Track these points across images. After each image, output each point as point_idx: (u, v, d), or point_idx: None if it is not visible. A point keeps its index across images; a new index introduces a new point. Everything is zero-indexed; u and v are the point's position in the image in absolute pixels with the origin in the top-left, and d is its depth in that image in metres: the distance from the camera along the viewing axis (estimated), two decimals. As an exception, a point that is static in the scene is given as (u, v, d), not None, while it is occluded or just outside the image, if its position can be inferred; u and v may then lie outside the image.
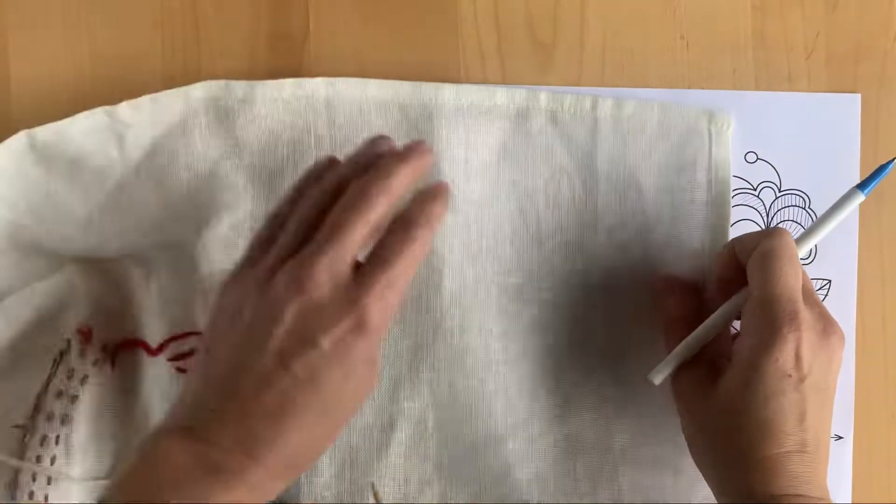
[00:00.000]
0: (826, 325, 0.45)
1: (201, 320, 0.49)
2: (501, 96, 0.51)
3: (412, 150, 0.42)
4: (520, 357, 0.51)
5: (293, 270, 0.39)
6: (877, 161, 0.51)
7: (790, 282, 0.44)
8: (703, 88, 0.52)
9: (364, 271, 0.40)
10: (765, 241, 0.45)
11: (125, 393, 0.50)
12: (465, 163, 0.50)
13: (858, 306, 0.52)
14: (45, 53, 0.51)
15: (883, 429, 0.52)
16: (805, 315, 0.44)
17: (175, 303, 0.49)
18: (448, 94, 0.50)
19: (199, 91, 0.49)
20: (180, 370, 0.49)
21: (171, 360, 0.49)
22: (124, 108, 0.48)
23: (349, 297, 0.39)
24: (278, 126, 0.50)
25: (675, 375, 0.48)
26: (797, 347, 0.43)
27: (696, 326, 0.47)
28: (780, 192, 0.52)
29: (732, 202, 0.52)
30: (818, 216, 0.48)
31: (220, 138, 0.49)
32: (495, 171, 0.51)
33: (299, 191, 0.43)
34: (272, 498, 0.39)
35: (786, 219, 0.52)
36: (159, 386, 0.49)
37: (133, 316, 0.50)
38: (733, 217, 0.52)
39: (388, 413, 0.50)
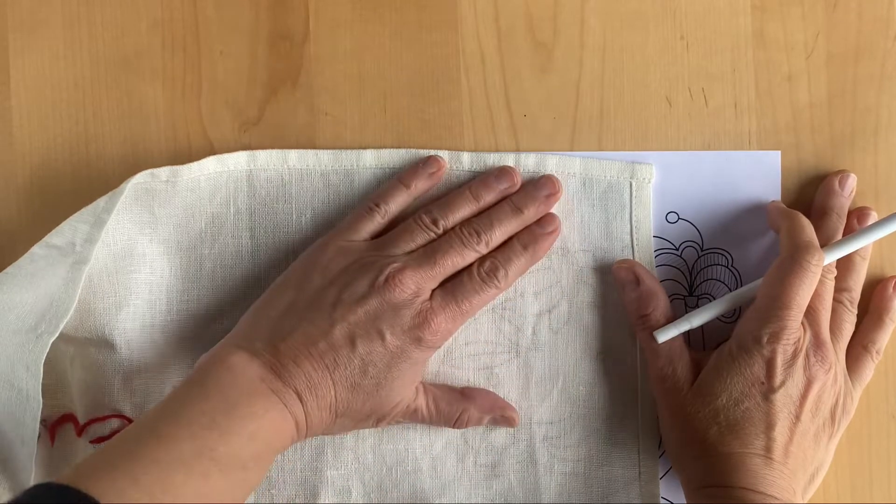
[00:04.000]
0: (816, 350, 0.46)
1: (120, 402, 0.49)
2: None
3: (530, 203, 0.50)
4: None
5: (393, 269, 0.46)
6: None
7: (796, 299, 0.45)
8: (625, 150, 0.52)
9: (443, 295, 0.47)
10: (798, 252, 0.46)
11: (63, 469, 0.50)
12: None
13: (859, 306, 0.52)
14: (45, 53, 0.51)
15: (883, 429, 0.52)
16: (792, 332, 0.45)
17: (95, 385, 0.49)
18: (369, 159, 0.51)
19: (126, 184, 0.49)
20: None
21: (92, 441, 0.49)
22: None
23: (422, 312, 0.46)
24: (197, 201, 0.50)
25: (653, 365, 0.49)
26: (772, 358, 0.46)
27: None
28: (702, 251, 0.52)
29: (655, 262, 0.52)
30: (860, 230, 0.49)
31: (137, 214, 0.50)
32: None
33: (406, 183, 0.50)
34: (303, 440, 0.46)
35: (709, 277, 0.52)
36: None
37: (66, 393, 0.50)
38: (657, 276, 0.51)
39: (311, 484, 0.51)
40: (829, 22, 0.52)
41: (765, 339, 0.46)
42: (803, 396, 0.46)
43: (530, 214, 0.50)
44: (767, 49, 0.52)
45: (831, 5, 0.52)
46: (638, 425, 0.51)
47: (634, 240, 0.51)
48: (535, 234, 0.50)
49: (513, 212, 0.49)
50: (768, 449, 0.45)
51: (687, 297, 0.52)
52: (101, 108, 0.52)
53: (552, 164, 0.51)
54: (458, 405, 0.49)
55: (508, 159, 0.51)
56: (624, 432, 0.51)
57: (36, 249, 0.48)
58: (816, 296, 0.47)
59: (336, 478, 0.51)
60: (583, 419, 0.51)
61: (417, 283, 0.47)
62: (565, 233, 0.51)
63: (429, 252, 0.48)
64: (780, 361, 0.46)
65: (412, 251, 0.48)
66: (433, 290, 0.48)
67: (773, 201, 0.51)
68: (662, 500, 0.51)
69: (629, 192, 0.51)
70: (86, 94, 0.52)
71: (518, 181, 0.50)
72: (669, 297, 0.51)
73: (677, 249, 0.52)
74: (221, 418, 0.42)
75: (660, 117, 0.52)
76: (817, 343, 0.46)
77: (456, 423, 0.49)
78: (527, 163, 0.51)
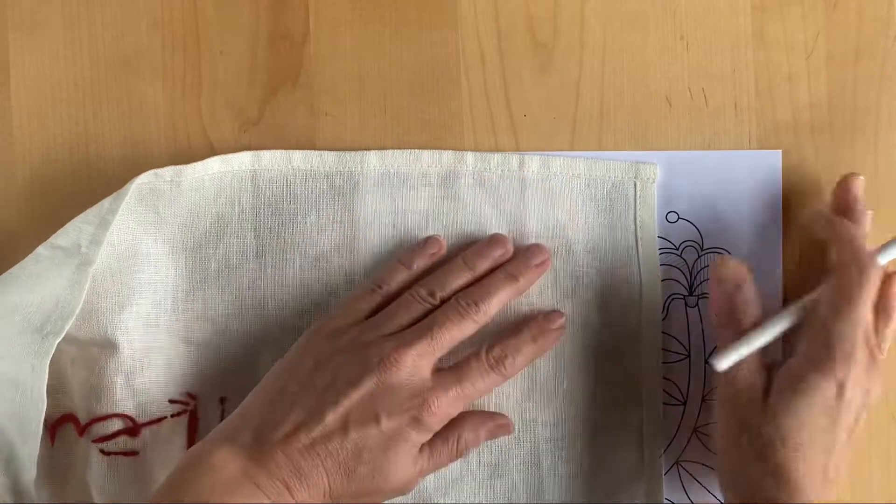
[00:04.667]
0: (871, 361, 0.46)
1: (122, 402, 0.49)
2: (427, 159, 0.51)
3: (524, 272, 0.49)
4: None
5: (387, 349, 0.45)
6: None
7: (860, 319, 0.45)
8: (626, 150, 0.52)
9: (446, 377, 0.46)
10: (856, 264, 0.45)
11: (63, 469, 0.50)
12: (392, 228, 0.51)
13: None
14: (45, 53, 0.51)
15: (883, 429, 0.52)
16: (860, 353, 0.45)
17: (97, 384, 0.49)
18: (373, 161, 0.51)
19: (130, 184, 0.49)
20: (104, 453, 0.49)
21: (94, 441, 0.49)
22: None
23: (421, 393, 0.45)
24: (202, 201, 0.50)
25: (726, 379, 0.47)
26: (843, 382, 0.44)
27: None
28: (702, 250, 0.52)
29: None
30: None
31: (141, 214, 0.50)
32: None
33: (407, 264, 0.49)
34: None
35: (710, 277, 0.51)
36: (88, 467, 0.49)
37: (66, 393, 0.50)
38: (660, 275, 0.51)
39: None
40: (829, 22, 0.52)
41: (838, 367, 0.44)
42: (864, 406, 0.46)
43: (524, 283, 0.49)
44: (767, 49, 0.52)
45: (831, 5, 0.52)
46: (641, 426, 0.51)
47: (639, 240, 0.51)
48: (543, 327, 0.49)
49: (507, 279, 0.49)
50: (827, 469, 0.45)
51: (687, 296, 0.52)
52: (101, 108, 0.52)
53: (556, 165, 0.51)
54: (452, 436, 0.48)
55: (513, 160, 0.51)
56: (627, 433, 0.51)
57: (41, 250, 0.48)
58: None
59: None
60: (586, 420, 0.51)
61: (414, 361, 0.46)
62: (569, 233, 0.51)
63: (424, 327, 0.47)
64: (850, 384, 0.45)
65: (408, 325, 0.47)
66: (435, 371, 0.47)
67: (818, 209, 0.50)
68: (665, 502, 0.51)
69: (633, 193, 0.51)
70: (86, 94, 0.52)
71: (510, 248, 0.50)
72: (670, 296, 0.51)
73: (677, 249, 0.52)
74: None
75: (660, 117, 0.52)
76: (873, 355, 0.46)
77: (457, 453, 0.49)
78: (531, 164, 0.51)
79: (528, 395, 0.51)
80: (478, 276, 0.49)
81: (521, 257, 0.50)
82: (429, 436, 0.46)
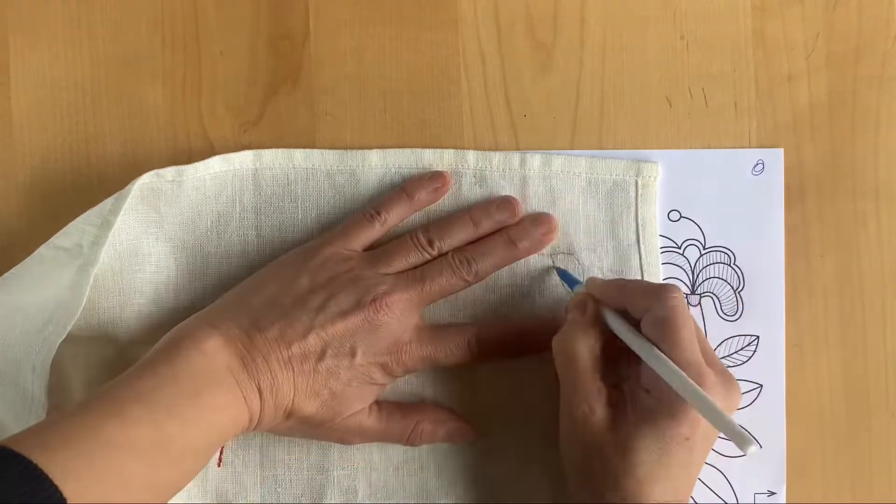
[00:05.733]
0: (726, 380, 0.44)
1: None
2: (429, 158, 0.51)
3: (526, 239, 0.50)
4: None
5: (381, 290, 0.46)
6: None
7: (690, 348, 0.43)
8: (627, 149, 0.52)
9: (422, 336, 0.48)
10: (657, 306, 0.43)
11: None
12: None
13: (858, 308, 0.52)
14: (45, 53, 0.51)
15: (883, 429, 0.52)
16: (710, 378, 0.42)
17: (98, 382, 0.49)
18: (375, 159, 0.51)
19: (132, 185, 0.49)
20: None
21: None
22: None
23: (399, 343, 0.47)
24: (203, 199, 0.50)
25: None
26: (696, 423, 0.42)
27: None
28: (704, 249, 0.52)
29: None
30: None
31: (143, 213, 0.50)
32: None
33: (409, 193, 0.50)
34: (249, 433, 0.47)
35: (712, 276, 0.52)
36: None
37: (67, 392, 0.50)
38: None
39: (318, 484, 0.51)
40: (829, 22, 0.52)
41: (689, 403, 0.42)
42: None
43: (523, 250, 0.50)
44: (767, 49, 0.52)
45: (831, 5, 0.52)
46: None
47: (641, 238, 0.51)
48: (525, 329, 0.50)
49: (506, 244, 0.49)
50: (686, 492, 0.44)
51: (689, 295, 0.52)
52: (101, 108, 0.52)
53: (557, 164, 0.51)
54: (411, 418, 0.49)
55: (514, 159, 0.51)
56: None
57: (43, 251, 0.48)
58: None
59: (342, 478, 0.51)
60: None
61: (402, 308, 0.47)
62: (570, 232, 0.51)
63: (418, 276, 0.48)
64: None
65: (403, 271, 0.48)
66: (418, 324, 0.48)
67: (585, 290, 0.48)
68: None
69: (635, 191, 0.51)
70: (86, 94, 0.52)
71: (519, 213, 0.50)
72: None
73: (679, 248, 0.52)
74: (185, 406, 0.42)
75: (660, 117, 0.52)
76: (724, 375, 0.44)
77: (410, 436, 0.49)
78: (532, 163, 0.51)
79: (520, 392, 0.51)
80: (480, 234, 0.50)
81: (526, 224, 0.50)
82: (392, 380, 0.48)
